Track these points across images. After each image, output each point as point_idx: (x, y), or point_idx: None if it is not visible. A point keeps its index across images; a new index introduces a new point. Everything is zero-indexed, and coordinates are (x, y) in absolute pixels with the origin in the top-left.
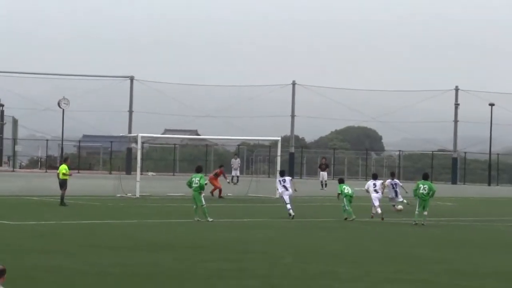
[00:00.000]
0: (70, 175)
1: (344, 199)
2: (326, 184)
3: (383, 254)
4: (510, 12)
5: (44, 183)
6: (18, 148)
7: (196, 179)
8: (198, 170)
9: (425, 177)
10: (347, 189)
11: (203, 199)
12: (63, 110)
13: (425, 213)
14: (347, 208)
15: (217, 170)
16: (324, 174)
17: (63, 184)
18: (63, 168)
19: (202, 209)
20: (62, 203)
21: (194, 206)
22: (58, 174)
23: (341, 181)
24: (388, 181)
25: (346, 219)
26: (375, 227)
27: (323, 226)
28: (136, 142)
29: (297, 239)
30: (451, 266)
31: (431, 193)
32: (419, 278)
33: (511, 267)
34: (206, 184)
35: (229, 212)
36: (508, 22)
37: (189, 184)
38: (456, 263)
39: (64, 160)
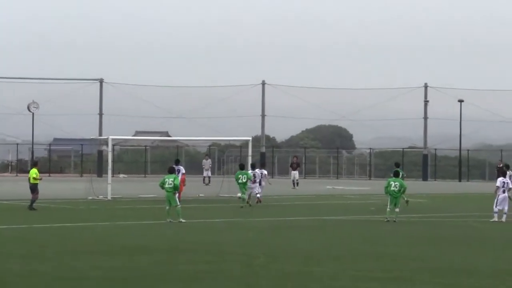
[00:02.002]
0: (40, 179)
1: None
2: (297, 183)
3: (359, 252)
4: (479, 9)
5: (15, 187)
6: None
7: (170, 179)
8: (171, 171)
9: (396, 175)
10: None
11: (177, 199)
12: (33, 113)
13: (397, 210)
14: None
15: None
16: (295, 173)
17: (34, 188)
18: (33, 172)
19: (176, 210)
20: (31, 207)
21: (167, 207)
22: (29, 179)
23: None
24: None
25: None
26: (348, 226)
27: (297, 225)
28: (107, 144)
29: (272, 239)
30: (427, 263)
31: (402, 189)
32: (396, 275)
33: (485, 263)
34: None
35: (201, 213)
36: (476, 20)
37: (162, 185)
38: (431, 260)
39: (34, 164)
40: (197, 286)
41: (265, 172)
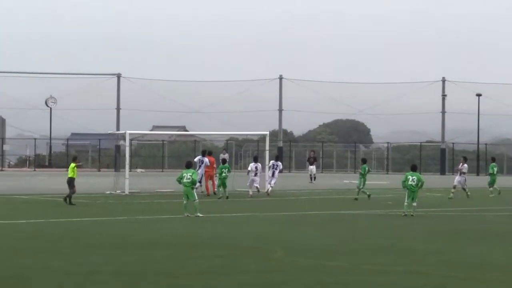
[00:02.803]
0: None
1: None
2: (315, 178)
3: (374, 247)
4: (497, 3)
5: (33, 181)
6: (6, 147)
7: (188, 174)
8: (188, 165)
9: (414, 169)
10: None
11: (195, 194)
12: (51, 108)
13: (414, 204)
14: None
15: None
16: (312, 168)
17: (70, 182)
18: (71, 166)
19: (193, 204)
20: (70, 202)
21: (185, 202)
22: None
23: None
24: None
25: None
26: (365, 220)
27: (313, 219)
28: (124, 139)
29: (288, 233)
30: (443, 257)
31: (420, 184)
32: (412, 270)
33: (501, 258)
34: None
35: (218, 207)
36: (495, 14)
37: (179, 180)
38: (447, 254)
39: (73, 159)
40: (212, 281)
41: (280, 164)
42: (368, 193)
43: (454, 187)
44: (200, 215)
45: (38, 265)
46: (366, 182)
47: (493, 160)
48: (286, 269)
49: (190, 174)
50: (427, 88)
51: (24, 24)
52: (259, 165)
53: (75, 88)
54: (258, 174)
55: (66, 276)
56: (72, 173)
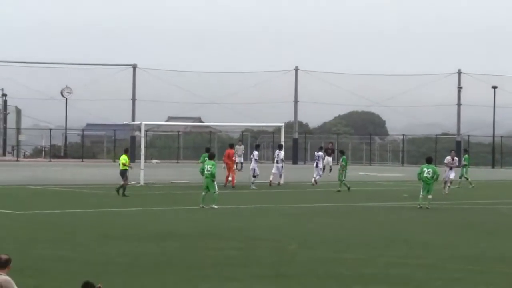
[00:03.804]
0: (130, 167)
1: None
2: (330, 169)
3: (389, 240)
4: None
5: (48, 172)
6: (21, 137)
7: (209, 166)
8: (210, 157)
9: (429, 161)
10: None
11: (216, 186)
12: (66, 99)
13: (430, 196)
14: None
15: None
16: (329, 159)
17: (123, 174)
18: (123, 158)
19: (213, 196)
20: (123, 194)
21: (203, 193)
22: (119, 165)
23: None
24: None
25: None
26: (380, 212)
27: (328, 211)
28: (139, 130)
29: (303, 225)
30: (458, 251)
31: (435, 176)
32: (426, 263)
33: None
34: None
35: (234, 199)
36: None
37: (202, 171)
38: (462, 247)
39: (125, 151)
40: (228, 272)
41: (282, 154)
42: (348, 185)
43: (451, 182)
44: (215, 206)
45: (54, 255)
46: (347, 174)
47: (466, 151)
48: (301, 261)
49: (210, 166)
50: (443, 80)
51: (40, 15)
52: (255, 152)
53: (90, 78)
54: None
55: (82, 266)
56: (123, 165)
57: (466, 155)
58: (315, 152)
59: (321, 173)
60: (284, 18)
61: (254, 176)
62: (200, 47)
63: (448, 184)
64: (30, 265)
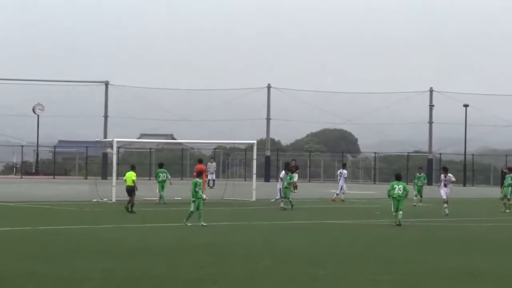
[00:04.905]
0: (136, 189)
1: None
2: (296, 187)
3: (362, 256)
4: (481, 14)
5: (20, 189)
6: None
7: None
8: (199, 175)
9: (398, 178)
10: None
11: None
12: (38, 115)
13: (400, 213)
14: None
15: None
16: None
17: (131, 191)
18: (132, 175)
19: (199, 213)
20: (131, 210)
21: (193, 210)
22: (125, 181)
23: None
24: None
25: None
26: (353, 229)
27: (301, 229)
28: (111, 147)
29: (276, 241)
30: (430, 267)
31: (405, 193)
32: (399, 279)
33: (489, 267)
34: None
35: (206, 216)
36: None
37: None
38: (434, 264)
39: (132, 167)
40: None
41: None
42: (292, 204)
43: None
44: (205, 224)
45: (27, 271)
46: (292, 192)
47: (421, 169)
48: (275, 278)
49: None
50: (415, 98)
51: (11, 31)
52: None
53: (63, 95)
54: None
55: (55, 282)
56: (131, 182)
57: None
58: (339, 170)
59: (344, 189)
60: (256, 35)
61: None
62: (172, 64)
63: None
64: (1, 281)
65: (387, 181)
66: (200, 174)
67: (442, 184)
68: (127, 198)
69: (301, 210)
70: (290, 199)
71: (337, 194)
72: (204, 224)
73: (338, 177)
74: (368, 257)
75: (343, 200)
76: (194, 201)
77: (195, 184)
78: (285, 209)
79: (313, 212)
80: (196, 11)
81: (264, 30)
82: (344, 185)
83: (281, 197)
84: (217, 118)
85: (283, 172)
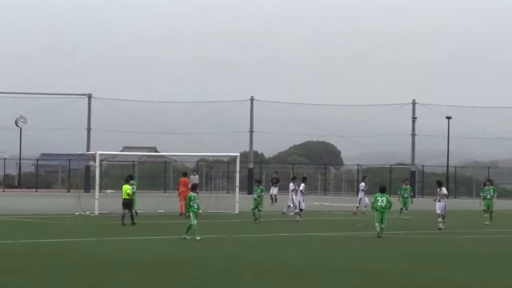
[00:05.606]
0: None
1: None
2: (276, 199)
3: (345, 269)
4: (464, 26)
5: (2, 202)
6: None
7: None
8: (192, 188)
9: (382, 190)
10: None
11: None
12: (21, 128)
13: (383, 225)
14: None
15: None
16: (274, 189)
17: (129, 203)
18: (128, 188)
19: (194, 228)
20: (132, 222)
21: (193, 223)
22: (123, 194)
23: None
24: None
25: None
26: (336, 242)
27: (284, 241)
28: (94, 160)
29: (259, 255)
30: (411, 280)
31: (389, 205)
32: None
33: (470, 280)
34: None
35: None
36: (464, 36)
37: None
38: (416, 277)
39: (127, 180)
40: None
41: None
42: (256, 216)
43: (443, 216)
44: (198, 238)
45: (8, 285)
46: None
47: (407, 181)
48: None
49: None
50: (398, 110)
51: None
52: (291, 185)
53: (45, 108)
54: (295, 193)
55: None
56: (127, 194)
57: (407, 186)
58: (360, 184)
59: (366, 202)
60: (238, 48)
61: (300, 209)
62: (156, 77)
63: (443, 219)
64: None
65: (370, 194)
66: (194, 188)
67: (438, 198)
68: (110, 211)
69: (284, 222)
70: (258, 211)
71: (357, 207)
72: (188, 238)
73: (362, 190)
74: (351, 269)
75: (363, 213)
76: (189, 215)
77: (190, 199)
78: (256, 219)
79: (295, 224)
80: (178, 22)
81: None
82: (365, 198)
83: (299, 209)
84: (200, 131)
85: (303, 184)
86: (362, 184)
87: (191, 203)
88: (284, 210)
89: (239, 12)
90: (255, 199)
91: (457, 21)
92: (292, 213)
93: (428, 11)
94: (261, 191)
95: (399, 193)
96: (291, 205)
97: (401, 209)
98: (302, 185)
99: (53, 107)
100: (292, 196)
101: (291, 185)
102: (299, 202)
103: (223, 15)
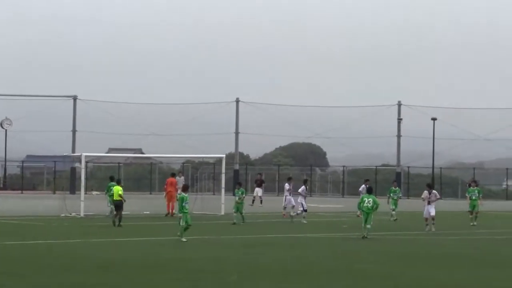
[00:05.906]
0: (124, 201)
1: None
2: (261, 201)
3: (331, 270)
4: (450, 28)
5: None
6: None
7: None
8: (184, 189)
9: (369, 191)
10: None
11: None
12: (6, 130)
13: (368, 226)
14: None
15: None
16: (259, 190)
17: (119, 205)
18: (118, 189)
19: (182, 228)
20: (119, 224)
21: (181, 224)
22: (113, 195)
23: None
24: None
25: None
26: (321, 243)
27: (270, 243)
28: (80, 161)
29: (245, 256)
30: (397, 281)
31: (375, 206)
32: None
33: (456, 281)
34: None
35: (174, 230)
36: (448, 39)
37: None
38: (402, 278)
39: (117, 182)
40: None
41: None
42: (234, 220)
43: (433, 218)
44: (184, 239)
45: None
46: (242, 208)
47: (395, 183)
48: None
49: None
50: (384, 111)
51: None
52: (286, 185)
53: (31, 110)
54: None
55: None
56: (118, 196)
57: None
58: (362, 186)
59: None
60: (224, 49)
61: (305, 210)
62: (141, 78)
63: (432, 222)
64: None
65: (356, 195)
66: (186, 188)
67: (427, 201)
68: (96, 213)
69: (270, 224)
70: (243, 214)
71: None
72: (184, 240)
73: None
74: (337, 271)
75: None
76: (181, 216)
77: (182, 199)
78: (234, 223)
79: (281, 226)
80: (163, 26)
81: (233, 44)
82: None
83: (304, 210)
84: (185, 133)
85: (303, 186)
86: (363, 186)
87: (183, 204)
88: (292, 213)
89: (230, 12)
90: (236, 202)
91: (441, 21)
92: (295, 213)
93: (413, 11)
94: (242, 193)
95: (389, 195)
96: (301, 207)
97: (393, 211)
98: (302, 188)
99: (39, 109)
100: (286, 196)
101: (287, 185)
102: (302, 203)
103: (214, 16)
